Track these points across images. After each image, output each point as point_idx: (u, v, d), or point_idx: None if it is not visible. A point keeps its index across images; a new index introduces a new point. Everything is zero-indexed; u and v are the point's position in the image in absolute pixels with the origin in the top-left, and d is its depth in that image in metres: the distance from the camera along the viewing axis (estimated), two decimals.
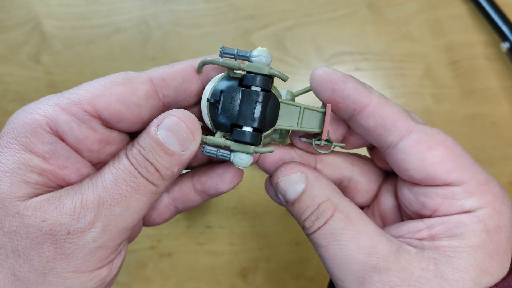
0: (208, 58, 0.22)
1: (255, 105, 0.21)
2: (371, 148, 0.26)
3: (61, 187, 0.21)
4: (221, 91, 0.22)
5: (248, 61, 0.21)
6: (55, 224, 0.19)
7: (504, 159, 0.42)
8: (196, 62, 0.23)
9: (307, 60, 0.44)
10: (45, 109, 0.20)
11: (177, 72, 0.22)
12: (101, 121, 0.21)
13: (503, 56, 0.43)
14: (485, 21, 0.43)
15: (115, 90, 0.21)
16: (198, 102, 0.24)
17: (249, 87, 0.21)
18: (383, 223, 0.26)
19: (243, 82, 0.21)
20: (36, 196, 0.20)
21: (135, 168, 0.21)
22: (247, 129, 0.21)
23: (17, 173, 0.19)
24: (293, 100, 0.24)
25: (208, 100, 0.22)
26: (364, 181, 0.27)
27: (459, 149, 0.22)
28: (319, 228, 0.21)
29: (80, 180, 0.21)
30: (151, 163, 0.21)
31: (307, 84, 0.24)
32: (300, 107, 0.23)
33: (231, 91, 0.22)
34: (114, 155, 0.22)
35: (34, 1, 0.46)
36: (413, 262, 0.20)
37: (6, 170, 0.19)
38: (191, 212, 0.42)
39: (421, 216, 0.23)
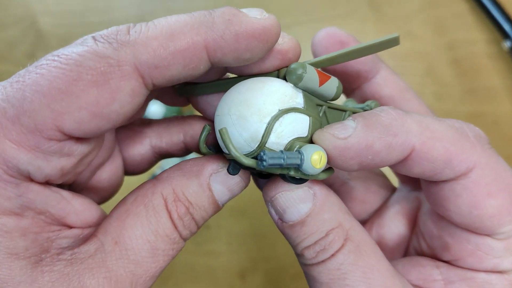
0: (245, 160, 0.15)
1: None
2: None
3: (52, 232, 0.16)
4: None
5: (298, 166, 0.16)
6: None
7: (506, 159, 0.42)
8: (211, 30, 0.14)
9: (307, 59, 0.44)
10: None
11: (176, 56, 0.14)
12: (75, 140, 0.15)
13: (505, 55, 0.42)
14: (487, 19, 0.42)
15: (85, 99, 0.13)
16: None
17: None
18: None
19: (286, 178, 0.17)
20: (36, 268, 0.14)
21: (179, 233, 0.16)
22: None
23: None
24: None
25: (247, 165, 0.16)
26: (360, 189, 0.22)
27: None
28: (323, 261, 0.16)
29: (65, 219, 0.16)
30: (197, 223, 0.17)
31: None
32: (346, 111, 0.19)
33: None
34: (94, 159, 0.17)
35: None
36: None
37: None
38: None
39: (435, 256, 0.19)
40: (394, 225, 0.21)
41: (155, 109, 0.41)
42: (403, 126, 0.16)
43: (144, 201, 0.16)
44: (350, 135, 0.15)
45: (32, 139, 0.14)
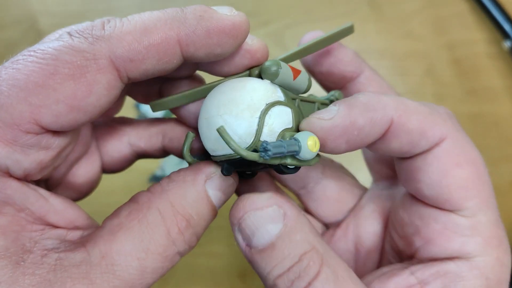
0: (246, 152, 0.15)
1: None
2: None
3: (34, 231, 0.15)
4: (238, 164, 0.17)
5: (297, 153, 0.16)
6: None
7: (506, 159, 0.42)
8: (183, 25, 0.15)
9: None
10: None
11: (150, 50, 0.15)
12: (53, 133, 0.15)
13: (505, 55, 0.42)
14: (487, 19, 0.42)
15: (62, 92, 0.13)
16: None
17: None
18: (357, 251, 0.22)
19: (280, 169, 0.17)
20: (17, 268, 0.13)
21: (177, 249, 0.16)
22: None
23: None
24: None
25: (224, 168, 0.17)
26: (335, 188, 0.22)
27: (485, 174, 0.18)
28: None
29: (46, 217, 0.15)
30: (197, 235, 0.16)
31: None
32: (315, 102, 0.20)
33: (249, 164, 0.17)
34: (70, 154, 0.17)
35: (30, 0, 0.46)
36: None
37: None
38: None
39: (409, 251, 0.19)
40: (370, 224, 0.22)
41: None
42: (380, 102, 0.17)
43: (138, 216, 0.15)
44: (334, 115, 0.16)
45: (9, 133, 0.14)
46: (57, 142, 0.15)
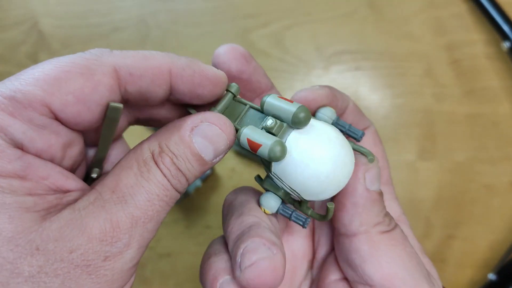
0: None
1: None
2: None
3: (58, 193, 0.17)
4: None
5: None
6: (87, 253, 0.16)
7: (505, 159, 0.42)
8: (176, 62, 0.19)
9: (307, 59, 0.44)
10: None
11: (147, 70, 0.18)
12: (61, 123, 0.18)
13: (504, 56, 0.42)
14: (486, 20, 0.42)
15: (72, 86, 0.16)
16: (159, 105, 0.21)
17: None
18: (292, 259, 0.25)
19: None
20: (45, 220, 0.16)
21: (169, 181, 0.18)
22: None
23: (7, 203, 0.15)
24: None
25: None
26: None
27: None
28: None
29: (68, 186, 0.17)
30: (184, 174, 0.18)
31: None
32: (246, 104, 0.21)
33: None
34: (75, 159, 0.19)
35: (32, 0, 0.46)
36: None
37: None
38: (190, 212, 0.42)
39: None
40: (299, 239, 0.25)
41: None
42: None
43: (134, 157, 0.18)
44: None
45: (25, 113, 0.16)
46: (64, 132, 0.18)
